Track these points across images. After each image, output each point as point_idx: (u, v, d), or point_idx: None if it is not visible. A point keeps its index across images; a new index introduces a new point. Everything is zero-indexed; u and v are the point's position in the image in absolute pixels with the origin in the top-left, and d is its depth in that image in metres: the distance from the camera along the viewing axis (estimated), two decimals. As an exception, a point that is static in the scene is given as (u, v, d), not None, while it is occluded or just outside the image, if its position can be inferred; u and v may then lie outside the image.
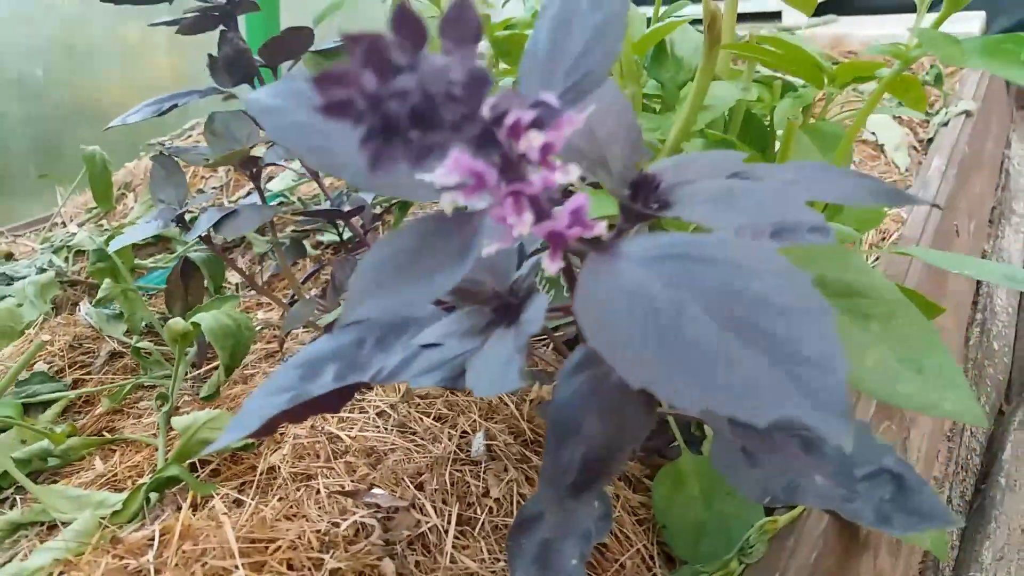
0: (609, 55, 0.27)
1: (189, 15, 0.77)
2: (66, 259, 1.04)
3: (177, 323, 0.62)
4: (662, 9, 0.73)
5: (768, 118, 0.78)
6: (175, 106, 0.76)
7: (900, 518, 0.35)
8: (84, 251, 1.05)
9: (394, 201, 0.96)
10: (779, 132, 0.73)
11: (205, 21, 0.78)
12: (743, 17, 1.20)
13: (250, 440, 0.59)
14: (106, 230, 1.14)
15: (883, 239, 0.98)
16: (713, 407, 0.22)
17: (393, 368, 0.33)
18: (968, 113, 1.31)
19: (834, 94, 0.76)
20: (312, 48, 0.81)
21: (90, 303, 0.91)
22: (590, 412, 0.35)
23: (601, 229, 0.29)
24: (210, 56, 0.79)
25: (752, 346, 0.23)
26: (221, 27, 0.78)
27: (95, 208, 1.21)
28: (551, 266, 0.29)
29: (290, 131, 0.29)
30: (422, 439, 0.57)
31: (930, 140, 1.27)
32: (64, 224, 1.24)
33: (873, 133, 1.26)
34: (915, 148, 1.30)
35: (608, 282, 0.26)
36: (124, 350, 0.83)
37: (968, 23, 1.82)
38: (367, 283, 0.25)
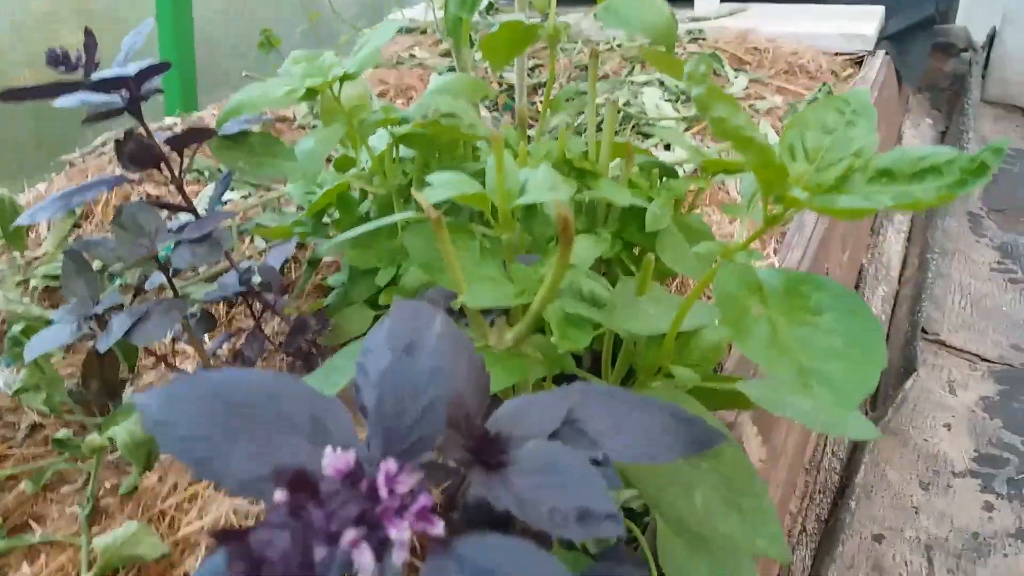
0: (438, 429, 0.34)
1: (94, 109, 0.79)
2: (-21, 309, 1.06)
3: (93, 440, 0.67)
4: (553, 122, 0.77)
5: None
6: (84, 201, 0.79)
7: None
8: (-3, 300, 1.07)
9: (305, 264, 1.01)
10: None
11: (110, 112, 0.80)
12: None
13: (165, 551, 0.66)
14: (19, 264, 1.16)
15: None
16: None
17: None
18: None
19: (705, 188, 0.83)
20: (219, 134, 0.84)
21: (7, 365, 0.94)
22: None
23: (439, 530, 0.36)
24: (117, 143, 0.81)
25: None
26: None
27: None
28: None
29: (180, 444, 0.35)
30: None
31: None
32: (-27, 254, 1.24)
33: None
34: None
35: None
36: (45, 422, 0.87)
37: (866, 21, 1.89)
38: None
